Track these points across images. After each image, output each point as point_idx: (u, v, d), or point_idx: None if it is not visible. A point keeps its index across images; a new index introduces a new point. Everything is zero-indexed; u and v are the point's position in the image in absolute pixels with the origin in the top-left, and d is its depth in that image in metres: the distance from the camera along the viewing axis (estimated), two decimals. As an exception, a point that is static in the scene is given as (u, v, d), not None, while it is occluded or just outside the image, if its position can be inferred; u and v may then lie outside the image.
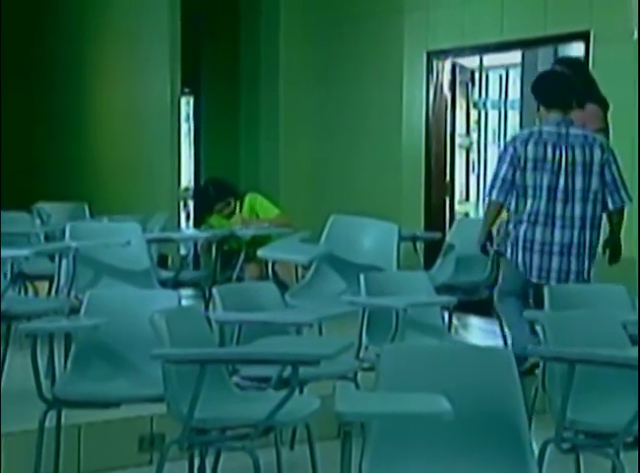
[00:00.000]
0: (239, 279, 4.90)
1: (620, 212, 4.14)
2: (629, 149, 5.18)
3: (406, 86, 6.52)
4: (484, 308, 4.96)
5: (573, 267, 4.12)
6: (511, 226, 4.16)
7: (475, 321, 5.54)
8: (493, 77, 7.10)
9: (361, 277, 3.73)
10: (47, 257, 4.67)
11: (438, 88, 6.40)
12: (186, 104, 8.67)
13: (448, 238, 5.10)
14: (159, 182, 7.04)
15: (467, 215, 6.60)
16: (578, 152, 4.12)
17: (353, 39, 6.87)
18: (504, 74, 7.05)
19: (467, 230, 4.80)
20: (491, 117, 7.21)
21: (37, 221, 5.53)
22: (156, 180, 7.07)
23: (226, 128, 7.83)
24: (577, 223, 4.10)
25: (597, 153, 4.15)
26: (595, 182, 4.12)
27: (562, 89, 4.26)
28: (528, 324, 4.07)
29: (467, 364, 2.41)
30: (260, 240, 4.99)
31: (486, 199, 4.22)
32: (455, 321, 5.00)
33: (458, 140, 6.50)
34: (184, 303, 3.67)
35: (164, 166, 7.02)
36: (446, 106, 6.44)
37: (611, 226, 4.16)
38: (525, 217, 4.11)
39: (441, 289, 4.32)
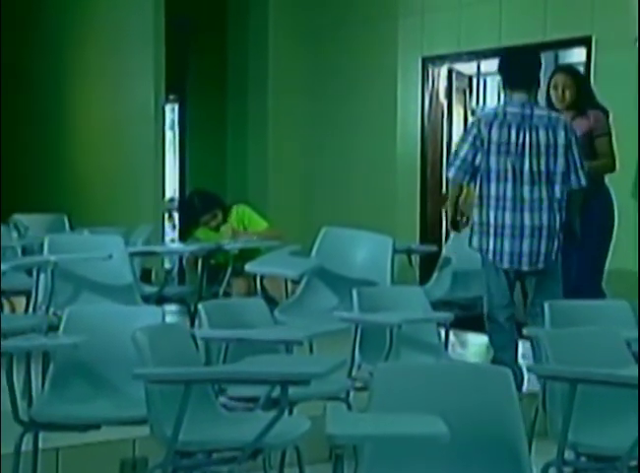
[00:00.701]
0: (226, 294, 4.89)
1: (578, 192, 4.24)
2: (632, 155, 5.22)
3: (400, 93, 6.54)
4: (483, 325, 4.97)
5: (543, 249, 4.18)
6: (475, 211, 4.21)
7: (472, 338, 5.55)
8: (491, 84, 7.12)
9: (354, 292, 3.73)
10: (25, 272, 4.66)
11: (434, 95, 6.43)
12: (171, 112, 8.67)
13: (445, 252, 5.11)
14: (142, 193, 7.04)
15: (464, 227, 6.62)
16: (542, 133, 4.18)
17: (346, 45, 6.90)
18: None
19: (464, 243, 4.81)
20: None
21: (14, 234, 5.52)
22: (139, 191, 7.07)
23: (213, 137, 7.84)
24: (545, 204, 4.17)
25: (561, 134, 4.21)
26: (560, 163, 4.19)
27: (528, 68, 4.32)
28: (512, 350, 4.14)
29: (464, 383, 2.41)
30: (248, 254, 4.99)
31: (447, 176, 4.29)
32: (452, 338, 5.00)
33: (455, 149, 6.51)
34: (168, 319, 3.66)
35: (148, 176, 7.02)
36: (442, 114, 6.46)
37: (568, 205, 4.22)
38: (492, 202, 4.17)
39: (437, 304, 4.32)
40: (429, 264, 5.32)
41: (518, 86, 4.25)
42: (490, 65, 6.70)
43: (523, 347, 4.43)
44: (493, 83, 7.11)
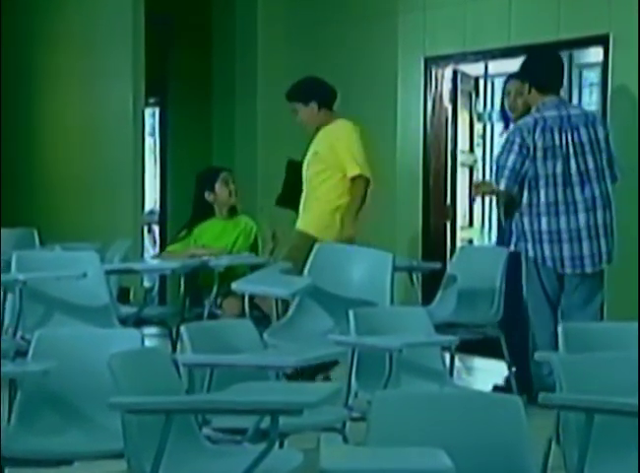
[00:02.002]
0: (213, 316, 4.90)
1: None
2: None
3: (401, 97, 6.57)
4: (491, 349, 4.98)
5: (603, 248, 4.57)
6: (526, 220, 4.53)
7: (480, 364, 5.55)
8: (500, 86, 7.15)
9: (350, 313, 3.74)
10: (-10, 292, 4.65)
11: (437, 98, 6.46)
12: (151, 117, 8.69)
13: (449, 269, 5.12)
14: (119, 205, 7.04)
15: (470, 242, 6.63)
16: (583, 131, 4.54)
17: (341, 44, 6.93)
18: (512, 83, 7.10)
19: (471, 259, 4.83)
20: (498, 131, 7.27)
21: (-21, 250, 5.52)
22: (116, 203, 7.07)
23: (197, 143, 7.85)
24: (599, 202, 4.53)
25: (599, 129, 4.60)
26: (604, 159, 4.55)
27: (557, 69, 4.72)
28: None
29: (471, 413, 2.42)
30: (238, 271, 5.01)
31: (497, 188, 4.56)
32: (458, 364, 5.00)
33: (460, 157, 6.54)
34: (148, 343, 3.66)
35: (126, 186, 7.03)
36: (446, 119, 6.48)
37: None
38: (543, 208, 4.51)
39: (442, 327, 4.33)
40: (433, 283, 5.32)
41: (549, 88, 4.61)
42: (499, 66, 6.75)
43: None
44: (501, 85, 7.14)
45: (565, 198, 4.52)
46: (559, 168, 4.52)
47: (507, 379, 4.87)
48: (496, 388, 4.86)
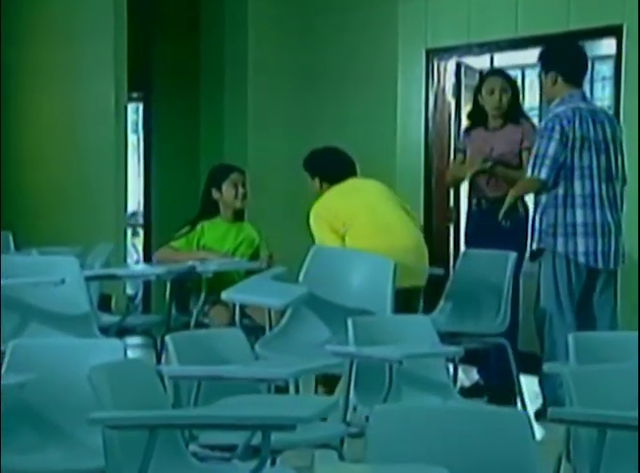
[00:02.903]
0: (200, 325, 4.90)
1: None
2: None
3: (400, 91, 6.58)
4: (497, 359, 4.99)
5: (626, 246, 4.81)
6: (560, 212, 4.66)
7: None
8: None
9: (349, 322, 3.74)
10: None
11: (440, 93, 6.47)
12: (134, 112, 8.68)
13: (453, 275, 5.13)
14: (100, 207, 7.04)
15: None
16: (608, 128, 4.73)
17: (337, 34, 6.94)
18: (520, 76, 7.12)
19: (475, 264, 4.84)
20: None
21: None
22: (96, 204, 7.07)
23: (184, 140, 7.85)
24: (618, 202, 4.76)
25: (618, 129, 4.80)
26: (620, 160, 4.76)
27: (584, 60, 4.89)
28: None
29: (476, 428, 2.42)
30: (230, 277, 5.01)
31: (533, 177, 4.67)
32: (462, 376, 5.01)
33: (464, 156, 6.54)
34: (131, 354, 3.66)
35: (107, 186, 7.02)
36: (449, 116, 6.49)
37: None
38: (578, 200, 4.65)
39: (445, 336, 4.33)
40: (436, 290, 5.33)
41: (576, 79, 4.78)
42: (506, 58, 6.76)
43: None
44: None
45: (594, 192, 4.67)
46: (594, 162, 4.67)
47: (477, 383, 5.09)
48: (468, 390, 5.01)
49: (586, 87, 6.75)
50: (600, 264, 4.70)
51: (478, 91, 5.33)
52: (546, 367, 3.55)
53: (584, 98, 4.85)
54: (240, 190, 5.33)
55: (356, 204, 4.78)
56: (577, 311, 4.72)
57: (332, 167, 4.96)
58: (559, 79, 4.75)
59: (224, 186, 5.32)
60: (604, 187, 4.70)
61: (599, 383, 2.81)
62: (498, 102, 5.18)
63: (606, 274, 4.77)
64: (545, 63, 4.84)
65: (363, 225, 4.71)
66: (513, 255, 4.76)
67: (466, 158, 5.35)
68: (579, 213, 4.67)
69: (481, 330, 4.71)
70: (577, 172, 4.67)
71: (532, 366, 4.81)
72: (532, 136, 5.08)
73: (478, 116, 5.30)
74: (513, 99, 5.22)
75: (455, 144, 5.74)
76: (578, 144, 4.66)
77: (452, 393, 3.82)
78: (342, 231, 4.72)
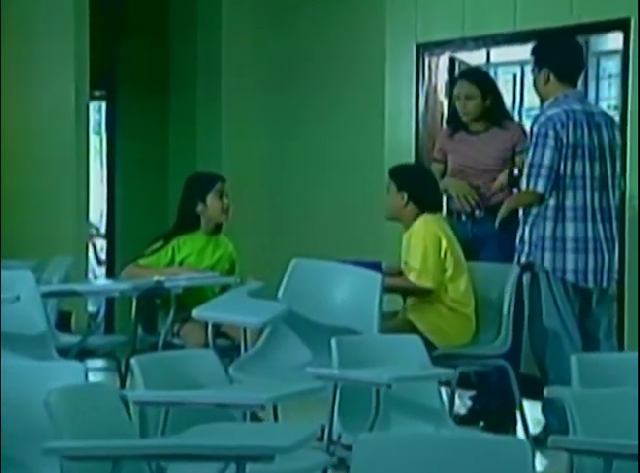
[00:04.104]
0: (170, 346, 4.88)
1: None
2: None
3: (388, 90, 6.59)
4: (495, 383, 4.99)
5: (616, 264, 4.76)
6: (548, 224, 4.62)
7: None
8: (504, 77, 7.21)
9: (332, 342, 3.74)
10: None
11: (432, 92, 6.48)
12: (97, 112, 8.68)
13: (447, 290, 5.13)
14: (59, 216, 7.02)
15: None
16: (605, 133, 4.68)
17: (319, 29, 6.95)
18: (519, 73, 7.17)
19: (473, 277, 4.83)
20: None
21: None
22: (55, 213, 7.04)
23: (152, 143, 7.84)
24: (613, 214, 4.70)
25: (617, 134, 4.76)
26: (619, 167, 4.73)
27: (580, 57, 4.88)
28: None
29: (471, 459, 2.42)
30: (203, 293, 4.99)
31: (529, 190, 4.66)
32: (457, 401, 5.01)
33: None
34: (92, 378, 3.65)
35: (67, 194, 7.00)
36: (442, 116, 6.51)
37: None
38: (569, 213, 4.61)
39: (439, 358, 4.34)
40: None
41: (571, 77, 4.74)
42: (503, 54, 6.80)
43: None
44: (506, 75, 7.20)
45: (592, 203, 4.65)
46: (587, 171, 4.64)
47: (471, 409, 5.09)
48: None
49: (591, 85, 6.84)
50: (590, 283, 4.68)
51: (451, 94, 5.36)
52: (547, 391, 3.55)
53: (580, 98, 4.85)
54: (226, 201, 5.29)
55: (453, 246, 4.70)
56: (571, 332, 4.70)
57: (429, 191, 4.86)
58: (552, 77, 4.75)
59: (209, 198, 5.26)
60: (596, 198, 4.67)
61: (604, 408, 2.81)
62: (463, 109, 5.21)
63: (598, 293, 4.75)
64: (538, 59, 4.83)
65: (451, 268, 4.65)
66: (515, 268, 4.77)
67: (446, 168, 5.35)
68: (569, 227, 4.65)
69: (480, 351, 4.71)
70: (569, 182, 4.64)
71: (532, 390, 4.81)
72: (523, 138, 5.10)
73: (458, 121, 5.31)
74: (489, 101, 5.20)
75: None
76: (571, 151, 4.64)
77: (445, 420, 3.82)
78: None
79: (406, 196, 4.77)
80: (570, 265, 4.64)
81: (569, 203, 4.63)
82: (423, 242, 4.65)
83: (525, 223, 4.78)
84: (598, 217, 4.66)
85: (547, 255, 4.66)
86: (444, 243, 4.65)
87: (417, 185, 4.81)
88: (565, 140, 4.60)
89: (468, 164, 5.23)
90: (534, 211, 4.71)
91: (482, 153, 5.22)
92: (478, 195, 5.18)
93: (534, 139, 4.69)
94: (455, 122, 5.36)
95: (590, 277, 4.66)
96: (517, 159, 5.13)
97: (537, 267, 4.71)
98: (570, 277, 4.65)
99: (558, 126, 4.62)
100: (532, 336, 4.84)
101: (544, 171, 4.61)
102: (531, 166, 4.66)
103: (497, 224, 4.79)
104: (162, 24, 7.61)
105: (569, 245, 4.63)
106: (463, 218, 5.22)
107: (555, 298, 4.69)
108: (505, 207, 4.85)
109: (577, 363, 3.35)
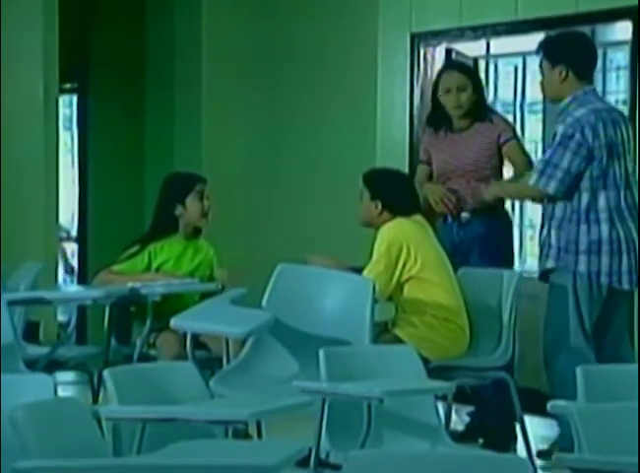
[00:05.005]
0: (145, 358, 4.88)
1: None
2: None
3: (381, 83, 6.60)
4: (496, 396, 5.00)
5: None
6: (583, 227, 4.76)
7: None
8: (505, 69, 7.22)
9: (321, 353, 3.74)
10: None
11: (427, 85, 6.49)
12: (67, 106, 8.67)
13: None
14: (27, 219, 7.01)
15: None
16: (624, 130, 4.83)
17: (307, 18, 6.96)
18: (520, 65, 7.18)
19: (471, 285, 4.85)
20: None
21: None
22: (23, 216, 7.03)
23: (126, 140, 7.84)
24: (635, 212, 4.83)
25: (630, 130, 4.89)
26: (637, 164, 4.88)
27: (594, 52, 5.00)
28: None
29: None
30: (182, 301, 4.99)
31: (537, 187, 4.79)
32: (455, 417, 5.02)
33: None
34: (62, 392, 3.64)
35: (35, 194, 6.99)
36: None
37: None
38: (603, 214, 4.76)
39: (435, 370, 4.35)
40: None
41: (588, 74, 4.90)
42: (504, 45, 6.81)
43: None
44: (507, 68, 7.22)
45: (626, 203, 4.80)
46: (617, 169, 4.78)
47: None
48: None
49: (597, 78, 6.85)
50: (624, 285, 4.80)
51: (435, 89, 5.37)
52: (550, 405, 3.56)
53: (598, 95, 4.97)
54: (207, 203, 5.28)
55: (431, 250, 4.72)
56: (589, 342, 4.79)
57: (405, 197, 4.86)
58: (571, 74, 4.83)
59: (189, 200, 5.25)
60: (628, 196, 4.82)
61: (611, 424, 2.82)
62: (456, 101, 5.24)
63: (622, 296, 4.86)
64: (552, 55, 4.88)
65: (434, 275, 4.66)
66: (516, 274, 4.79)
67: (433, 169, 5.37)
68: (604, 228, 4.77)
69: (478, 363, 4.72)
70: (601, 183, 4.77)
71: (533, 404, 4.82)
72: (507, 127, 5.25)
73: (440, 119, 5.33)
74: (476, 94, 5.26)
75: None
76: (605, 152, 4.75)
77: (442, 437, 3.82)
78: (408, 273, 4.65)
79: (380, 205, 4.79)
80: (605, 267, 4.76)
81: (602, 204, 4.76)
82: (381, 247, 4.67)
83: (547, 227, 4.87)
84: (628, 216, 4.79)
85: (582, 258, 4.76)
86: (411, 250, 4.65)
87: (392, 193, 4.82)
88: (596, 142, 4.72)
89: (453, 164, 5.26)
90: (558, 214, 4.81)
91: (468, 151, 5.25)
92: (465, 197, 5.20)
93: (558, 138, 4.78)
94: (438, 120, 5.37)
95: (625, 278, 4.79)
96: (504, 149, 5.22)
97: (567, 272, 4.78)
98: (605, 279, 4.76)
99: (586, 130, 4.72)
100: (548, 348, 4.86)
101: (559, 173, 4.73)
102: (547, 163, 4.76)
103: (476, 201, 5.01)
104: (138, 10, 7.60)
105: (604, 247, 4.76)
106: (449, 220, 5.24)
107: (579, 304, 4.78)
108: (496, 188, 5.01)
109: (583, 375, 3.36)
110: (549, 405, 3.64)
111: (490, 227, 5.17)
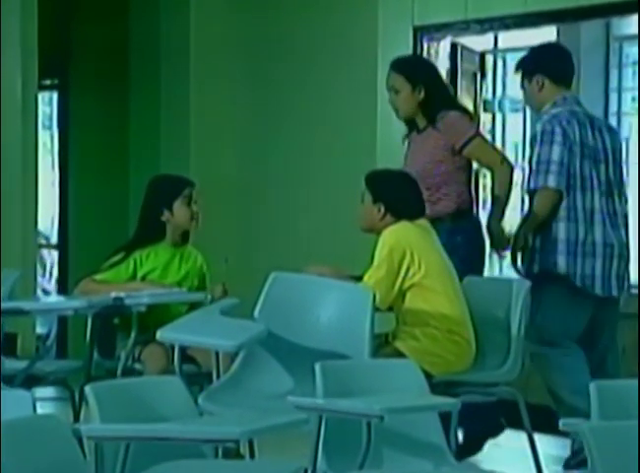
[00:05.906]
0: (130, 372, 4.89)
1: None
2: None
3: (382, 78, 6.61)
4: (505, 415, 5.01)
5: (630, 272, 5.04)
6: (562, 226, 4.89)
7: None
8: (513, 64, 7.22)
9: (317, 368, 3.74)
10: None
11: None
12: (46, 104, 8.68)
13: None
14: (3, 224, 7.01)
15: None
16: (607, 136, 5.02)
17: (304, 11, 6.97)
18: (530, 61, 7.18)
19: (478, 294, 4.86)
20: (511, 123, 7.32)
21: None
22: (-1, 221, 7.04)
23: (109, 139, 7.85)
24: (620, 220, 4.99)
25: (618, 139, 5.13)
26: (624, 172, 5.06)
27: (570, 59, 5.22)
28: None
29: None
30: (169, 312, 5.00)
31: (538, 187, 4.94)
32: (460, 435, 5.03)
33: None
34: (41, 409, 3.64)
35: (12, 197, 6.99)
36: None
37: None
38: (580, 214, 4.91)
39: (439, 385, 4.36)
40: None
41: (566, 81, 5.13)
42: (512, 39, 6.82)
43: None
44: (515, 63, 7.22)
45: (600, 207, 4.94)
46: (594, 172, 4.96)
47: None
48: None
49: (613, 73, 6.88)
50: (597, 290, 4.93)
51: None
52: (562, 423, 3.57)
53: (577, 101, 5.16)
54: (195, 208, 5.29)
55: (435, 257, 4.72)
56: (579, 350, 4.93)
57: (410, 200, 4.86)
58: (547, 82, 5.07)
59: (177, 205, 5.25)
60: (604, 202, 4.97)
61: (626, 442, 2.82)
62: (393, 104, 5.31)
63: (606, 302, 4.97)
64: (528, 68, 5.15)
65: (437, 283, 4.66)
66: (526, 283, 4.79)
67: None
68: (580, 229, 4.92)
69: (485, 378, 4.72)
70: (578, 182, 4.94)
71: (543, 423, 4.84)
72: (459, 128, 5.17)
73: (413, 119, 5.35)
74: (423, 96, 5.23)
75: None
76: (578, 149, 4.93)
77: (446, 457, 3.83)
78: (411, 280, 4.66)
79: (383, 208, 4.78)
80: (579, 270, 4.90)
81: (579, 204, 4.92)
82: (382, 252, 4.68)
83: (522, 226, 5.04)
84: (607, 221, 4.93)
85: (560, 258, 4.91)
86: (415, 255, 4.66)
87: (396, 195, 4.81)
88: (572, 137, 4.91)
89: (408, 168, 5.23)
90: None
91: (417, 156, 5.29)
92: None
93: (539, 137, 4.97)
94: (411, 121, 5.37)
95: (597, 283, 4.92)
96: (466, 153, 5.20)
97: (550, 275, 4.91)
98: (578, 281, 4.90)
99: (564, 123, 4.93)
100: (534, 353, 4.99)
101: (554, 167, 4.89)
102: (539, 163, 4.93)
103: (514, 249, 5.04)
104: (121, 3, 7.62)
105: (579, 249, 4.90)
106: None
107: (565, 310, 4.91)
108: (526, 225, 5.03)
109: (597, 392, 3.36)
110: (561, 423, 3.65)
111: (459, 232, 5.17)
